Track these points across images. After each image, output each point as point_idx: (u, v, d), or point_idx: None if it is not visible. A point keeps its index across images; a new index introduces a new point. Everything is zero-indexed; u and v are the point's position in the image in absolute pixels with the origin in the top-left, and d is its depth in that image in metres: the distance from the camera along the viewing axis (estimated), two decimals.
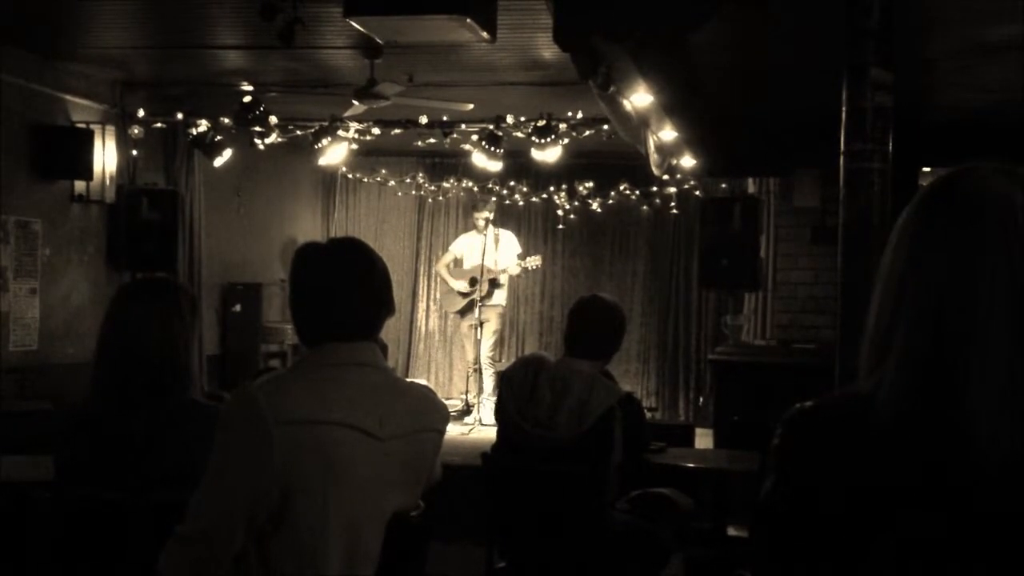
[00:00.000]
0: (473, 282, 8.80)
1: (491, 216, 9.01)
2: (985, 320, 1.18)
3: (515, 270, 8.97)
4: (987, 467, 1.15)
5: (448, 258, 9.31)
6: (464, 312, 8.97)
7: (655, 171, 7.25)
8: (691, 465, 4.87)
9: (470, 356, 9.00)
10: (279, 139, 8.13)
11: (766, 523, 1.31)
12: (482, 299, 8.79)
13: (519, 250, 9.09)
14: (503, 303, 9.12)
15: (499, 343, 9.24)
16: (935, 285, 1.21)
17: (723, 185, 8.56)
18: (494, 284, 8.90)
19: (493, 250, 8.90)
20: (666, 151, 7.05)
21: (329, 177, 11.08)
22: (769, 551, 1.30)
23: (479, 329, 8.82)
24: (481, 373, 8.80)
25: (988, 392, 1.16)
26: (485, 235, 8.84)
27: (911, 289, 1.23)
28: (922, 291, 1.22)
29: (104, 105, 7.89)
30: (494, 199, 9.50)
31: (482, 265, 8.72)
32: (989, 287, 1.19)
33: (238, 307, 9.47)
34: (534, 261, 8.98)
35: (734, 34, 4.58)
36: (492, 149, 7.68)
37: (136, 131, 7.93)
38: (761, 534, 1.32)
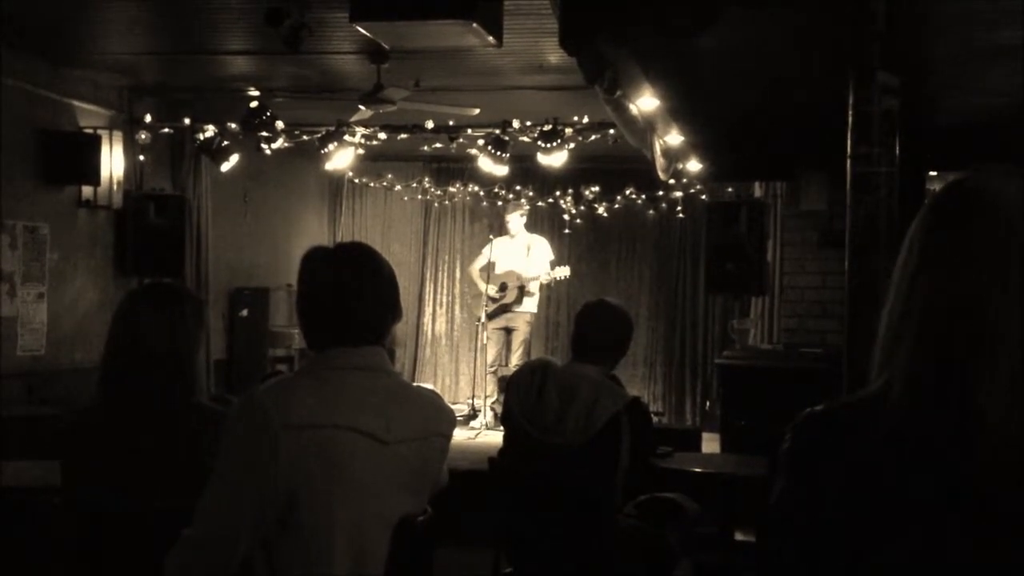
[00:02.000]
0: (503, 287, 8.78)
1: (522, 219, 9.00)
2: (995, 320, 1.19)
3: (545, 279, 8.96)
4: (998, 465, 1.15)
5: (481, 261, 9.22)
6: (492, 316, 8.93)
7: (661, 175, 7.24)
8: (698, 470, 4.86)
9: (491, 357, 8.99)
10: (286, 144, 8.14)
11: (777, 526, 1.31)
12: (509, 305, 8.79)
13: (552, 257, 9.07)
14: (533, 310, 9.10)
15: (527, 353, 9.20)
16: (947, 285, 1.22)
17: (729, 189, 8.55)
18: (523, 292, 8.88)
19: (524, 257, 8.88)
20: (672, 155, 7.05)
21: (336, 182, 11.09)
22: (780, 554, 1.30)
23: (501, 332, 8.82)
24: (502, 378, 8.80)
25: (998, 390, 1.16)
26: (512, 237, 8.80)
27: (923, 289, 1.24)
28: (934, 291, 1.23)
29: (111, 110, 7.92)
30: (524, 201, 9.47)
31: (491, 269, 8.71)
32: (1001, 287, 1.19)
33: (245, 312, 9.49)
34: (563, 271, 8.95)
35: (739, 38, 4.58)
36: (498, 154, 7.69)
37: (143, 136, 7.95)
38: (772, 537, 1.32)
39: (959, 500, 1.17)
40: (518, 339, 8.92)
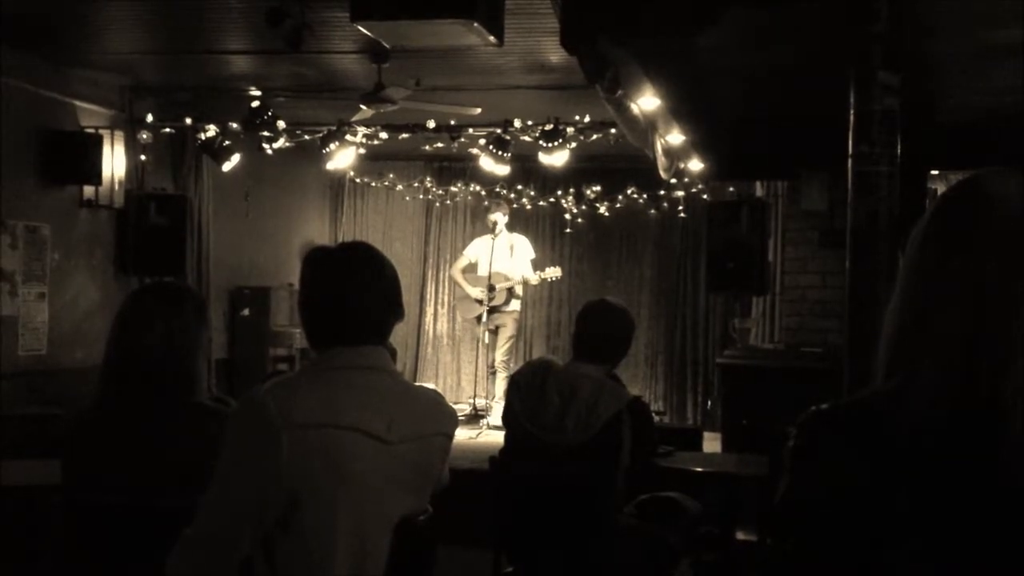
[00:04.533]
0: (491, 288, 8.78)
1: (505, 218, 8.98)
2: (1019, 320, 1.18)
3: (535, 280, 8.97)
4: (1019, 466, 1.15)
5: (463, 262, 9.26)
6: (480, 318, 8.93)
7: (662, 175, 7.24)
8: (699, 469, 4.86)
9: (489, 359, 9.01)
10: (287, 144, 8.15)
11: (781, 525, 1.30)
12: (499, 306, 8.80)
13: (533, 255, 9.08)
14: (518, 309, 9.12)
15: (513, 348, 9.22)
16: (972, 291, 1.21)
17: (730, 188, 8.54)
18: (511, 293, 8.89)
19: (508, 257, 8.88)
20: (673, 154, 7.05)
21: (337, 181, 11.09)
22: (785, 553, 1.30)
23: (488, 334, 8.83)
24: (495, 376, 8.82)
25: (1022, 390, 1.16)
26: (494, 238, 8.80)
27: (946, 295, 1.23)
28: (958, 297, 1.22)
29: (113, 110, 7.92)
30: (506, 202, 9.48)
31: (489, 270, 8.70)
32: (1019, 286, 1.19)
33: (246, 311, 9.49)
34: (554, 272, 8.96)
35: (741, 37, 4.58)
36: (500, 153, 7.69)
37: (145, 136, 7.95)
38: (776, 536, 1.32)
39: (980, 500, 1.17)
40: (504, 335, 8.94)
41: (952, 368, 1.20)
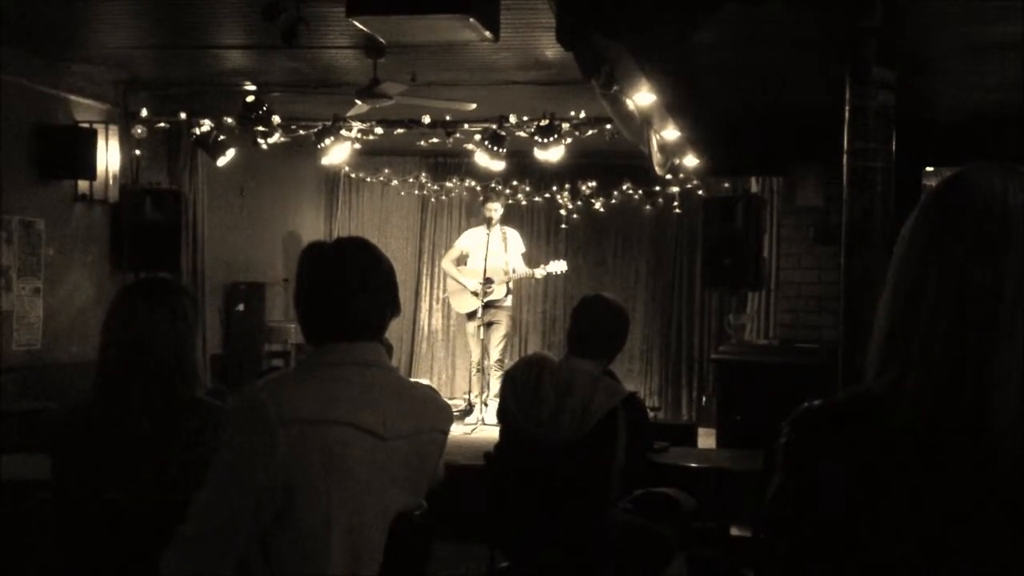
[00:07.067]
0: (488, 282, 8.68)
1: (501, 210, 8.88)
2: (1009, 321, 1.18)
3: (540, 274, 8.83)
4: (1011, 467, 1.15)
5: (454, 253, 9.11)
6: (473, 313, 8.78)
7: (658, 170, 7.25)
8: (694, 465, 4.87)
9: (475, 356, 8.92)
10: (282, 139, 8.14)
11: (774, 522, 1.30)
12: (495, 300, 8.73)
13: (524, 250, 8.99)
14: (510, 304, 9.02)
15: (508, 346, 9.11)
16: (955, 286, 1.21)
17: (726, 184, 8.56)
18: (508, 287, 8.79)
19: (503, 250, 8.77)
20: (669, 150, 7.05)
21: (332, 177, 11.08)
22: (777, 550, 1.30)
23: (483, 330, 8.76)
24: (488, 374, 8.71)
25: (1012, 391, 1.16)
26: (489, 233, 8.73)
27: (930, 290, 1.23)
28: (942, 292, 1.22)
29: (107, 105, 7.90)
30: (507, 192, 9.43)
31: (485, 263, 8.64)
32: (1015, 287, 1.19)
33: (241, 306, 9.47)
34: (560, 266, 8.85)
35: (736, 33, 4.58)
36: (495, 149, 7.69)
37: (139, 131, 7.94)
38: (769, 533, 1.32)
39: (969, 501, 1.17)
40: (499, 333, 8.78)
41: (939, 365, 1.20)
